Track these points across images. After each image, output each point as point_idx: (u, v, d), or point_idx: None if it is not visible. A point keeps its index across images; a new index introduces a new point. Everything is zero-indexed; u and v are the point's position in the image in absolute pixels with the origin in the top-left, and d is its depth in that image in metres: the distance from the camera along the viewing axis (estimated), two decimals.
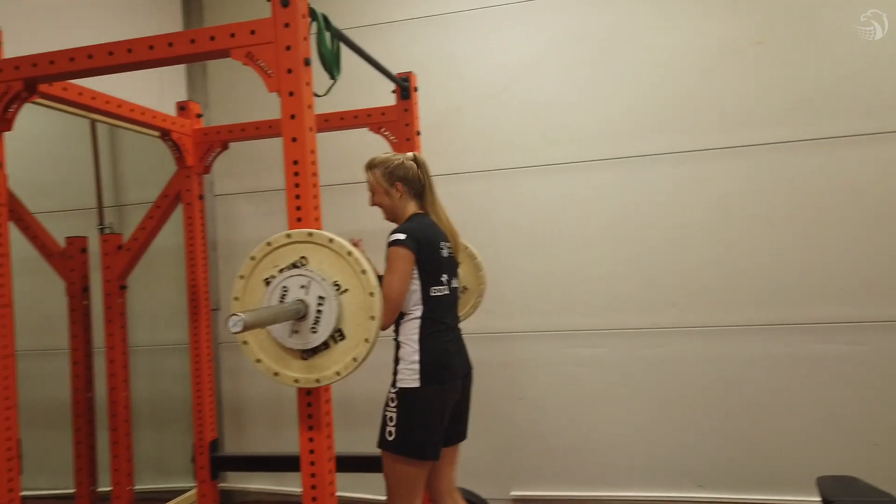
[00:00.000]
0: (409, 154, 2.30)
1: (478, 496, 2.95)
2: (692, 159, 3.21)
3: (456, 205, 3.41)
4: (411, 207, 2.27)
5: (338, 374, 1.66)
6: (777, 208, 3.12)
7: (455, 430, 2.29)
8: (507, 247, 3.41)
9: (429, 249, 2.16)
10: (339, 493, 1.86)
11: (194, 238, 2.94)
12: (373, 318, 1.65)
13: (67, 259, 2.74)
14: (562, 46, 3.37)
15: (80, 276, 2.75)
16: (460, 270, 2.45)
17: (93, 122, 3.25)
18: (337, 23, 2.13)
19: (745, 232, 3.16)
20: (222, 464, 3.11)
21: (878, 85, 3.01)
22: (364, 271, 1.64)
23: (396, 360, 2.16)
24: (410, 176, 2.25)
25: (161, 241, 2.96)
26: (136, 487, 2.86)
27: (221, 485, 3.55)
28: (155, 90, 3.54)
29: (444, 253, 2.25)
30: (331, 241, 1.66)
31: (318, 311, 1.66)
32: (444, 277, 2.23)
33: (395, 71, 2.77)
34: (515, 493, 3.39)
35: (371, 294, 1.64)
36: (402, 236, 2.11)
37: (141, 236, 2.84)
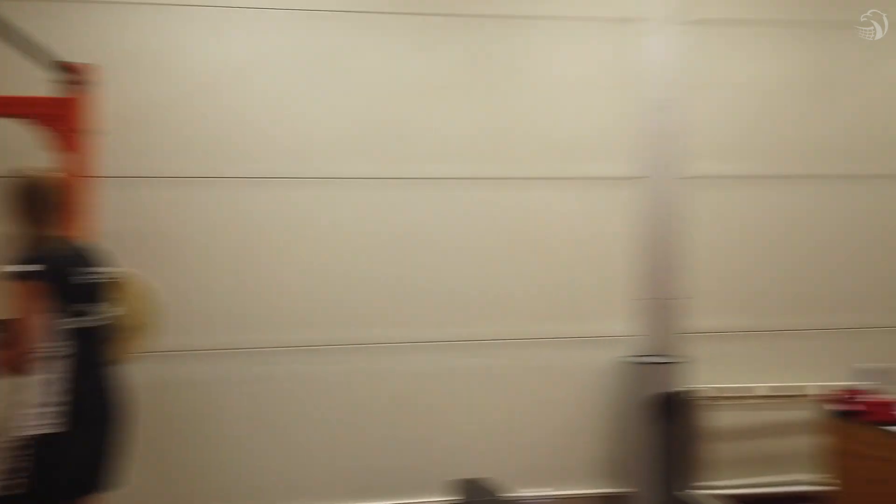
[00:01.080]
0: (37, 170, 2.07)
1: None
2: (386, 186, 3.42)
3: (145, 211, 3.21)
4: (44, 231, 2.01)
5: None
6: (445, 237, 3.45)
7: (101, 479, 2.08)
8: (196, 260, 3.28)
9: (64, 278, 1.96)
10: None
11: None
12: None
13: None
14: (271, 61, 3.36)
15: None
16: (131, 301, 2.27)
17: None
18: None
19: (411, 256, 3.44)
20: None
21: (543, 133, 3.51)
22: None
23: (27, 403, 1.91)
24: (38, 196, 2.00)
25: None
26: None
27: None
28: None
29: (86, 279, 2.06)
30: None
31: None
32: (88, 308, 2.04)
33: (83, 59, 2.51)
34: None
35: None
36: (28, 267, 1.89)
37: None
